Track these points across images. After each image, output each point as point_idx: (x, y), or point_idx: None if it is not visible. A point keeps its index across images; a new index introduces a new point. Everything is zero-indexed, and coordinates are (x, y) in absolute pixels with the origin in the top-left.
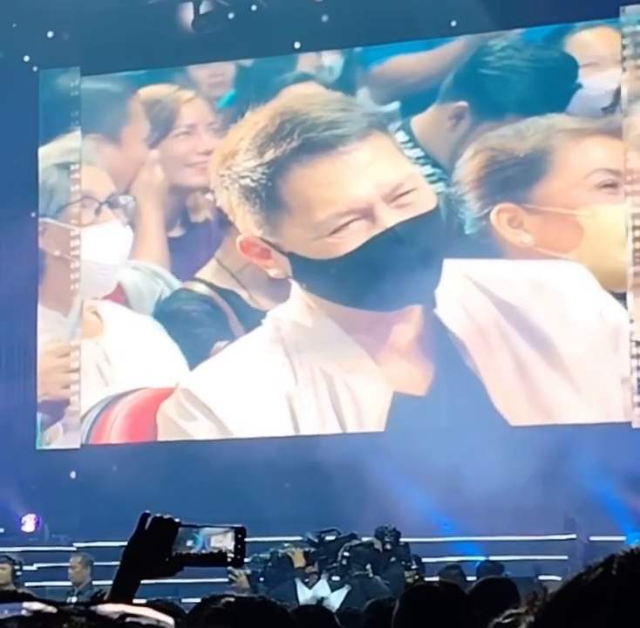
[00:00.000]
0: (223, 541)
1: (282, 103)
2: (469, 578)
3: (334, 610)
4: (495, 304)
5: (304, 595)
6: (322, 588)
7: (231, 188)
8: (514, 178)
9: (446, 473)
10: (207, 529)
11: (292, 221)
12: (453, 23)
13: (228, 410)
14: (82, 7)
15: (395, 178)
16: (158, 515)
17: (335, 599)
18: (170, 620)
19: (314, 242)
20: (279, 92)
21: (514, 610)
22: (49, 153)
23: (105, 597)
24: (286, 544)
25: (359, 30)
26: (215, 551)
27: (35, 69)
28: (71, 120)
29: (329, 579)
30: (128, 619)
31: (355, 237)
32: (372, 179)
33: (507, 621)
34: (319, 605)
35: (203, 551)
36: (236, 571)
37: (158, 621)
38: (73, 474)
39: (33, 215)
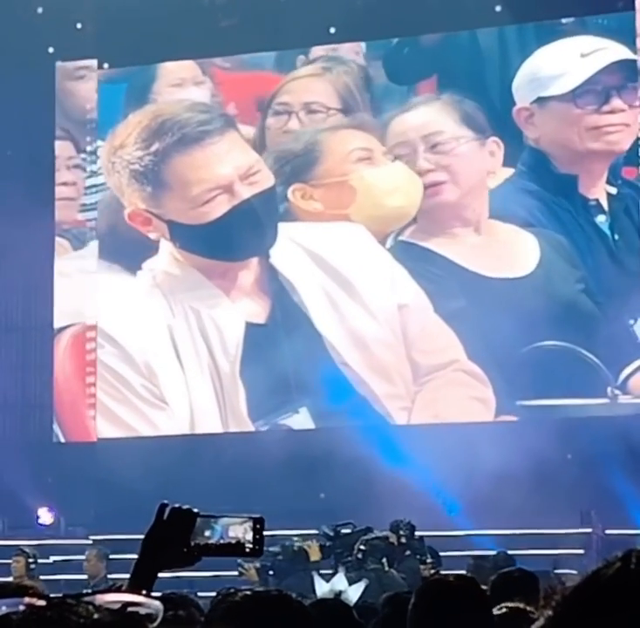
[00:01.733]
0: (241, 531)
1: (158, 106)
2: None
3: (352, 604)
4: (308, 254)
5: (322, 588)
6: (339, 581)
7: (122, 172)
8: (298, 166)
9: (459, 464)
10: (226, 519)
11: (172, 195)
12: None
13: (125, 339)
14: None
15: (247, 162)
16: (176, 505)
17: (353, 593)
18: (160, 605)
19: (189, 211)
20: (155, 98)
21: (508, 603)
22: (65, 147)
23: (123, 588)
24: (295, 538)
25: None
26: (234, 541)
27: (58, 63)
28: (88, 112)
29: (346, 573)
30: (129, 609)
31: (220, 207)
32: (231, 163)
33: (499, 612)
34: (337, 599)
35: (221, 541)
36: (246, 564)
37: (159, 609)
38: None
39: (52, 212)
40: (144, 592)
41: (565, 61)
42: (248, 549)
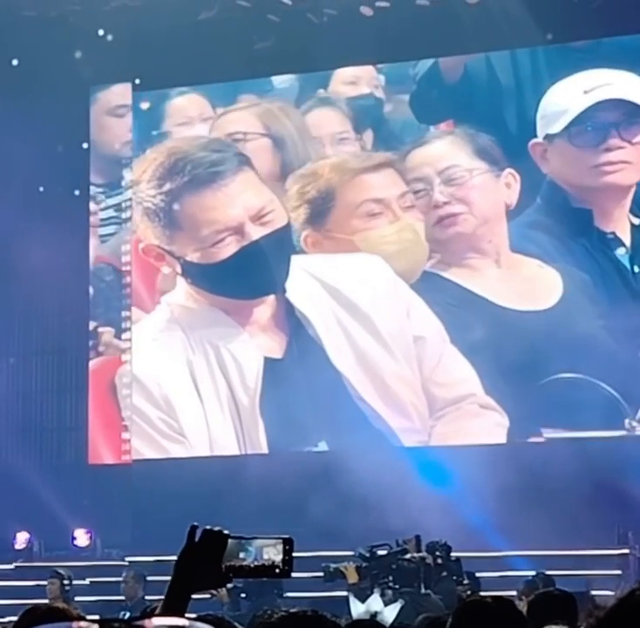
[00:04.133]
0: (274, 552)
1: (174, 144)
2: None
3: (387, 625)
4: (324, 287)
5: (357, 609)
6: (375, 602)
7: (136, 208)
8: (314, 210)
9: (493, 485)
10: (259, 540)
11: (182, 235)
12: None
13: (146, 373)
14: (138, 22)
15: (259, 203)
16: (207, 527)
17: (388, 614)
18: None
19: (199, 251)
20: (173, 133)
21: (552, 626)
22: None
23: (157, 611)
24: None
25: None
26: (268, 563)
27: (94, 94)
28: (123, 134)
29: (382, 594)
30: None
31: (229, 248)
32: (242, 204)
33: None
34: (373, 620)
35: (256, 563)
36: None
37: None
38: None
39: (86, 231)
40: (193, 616)
41: (569, 97)
42: (278, 571)
